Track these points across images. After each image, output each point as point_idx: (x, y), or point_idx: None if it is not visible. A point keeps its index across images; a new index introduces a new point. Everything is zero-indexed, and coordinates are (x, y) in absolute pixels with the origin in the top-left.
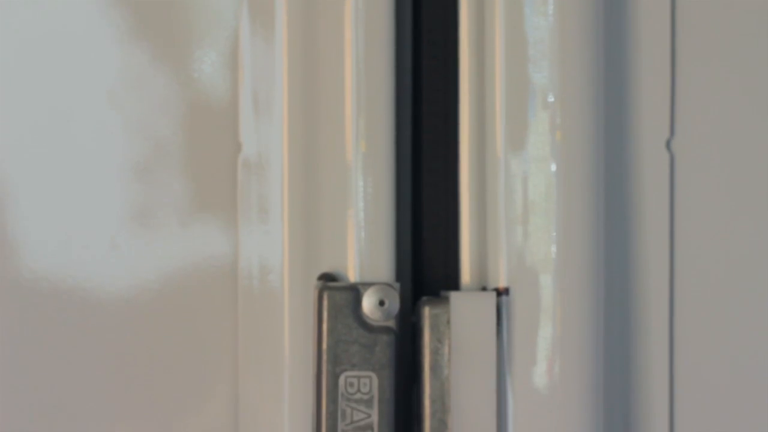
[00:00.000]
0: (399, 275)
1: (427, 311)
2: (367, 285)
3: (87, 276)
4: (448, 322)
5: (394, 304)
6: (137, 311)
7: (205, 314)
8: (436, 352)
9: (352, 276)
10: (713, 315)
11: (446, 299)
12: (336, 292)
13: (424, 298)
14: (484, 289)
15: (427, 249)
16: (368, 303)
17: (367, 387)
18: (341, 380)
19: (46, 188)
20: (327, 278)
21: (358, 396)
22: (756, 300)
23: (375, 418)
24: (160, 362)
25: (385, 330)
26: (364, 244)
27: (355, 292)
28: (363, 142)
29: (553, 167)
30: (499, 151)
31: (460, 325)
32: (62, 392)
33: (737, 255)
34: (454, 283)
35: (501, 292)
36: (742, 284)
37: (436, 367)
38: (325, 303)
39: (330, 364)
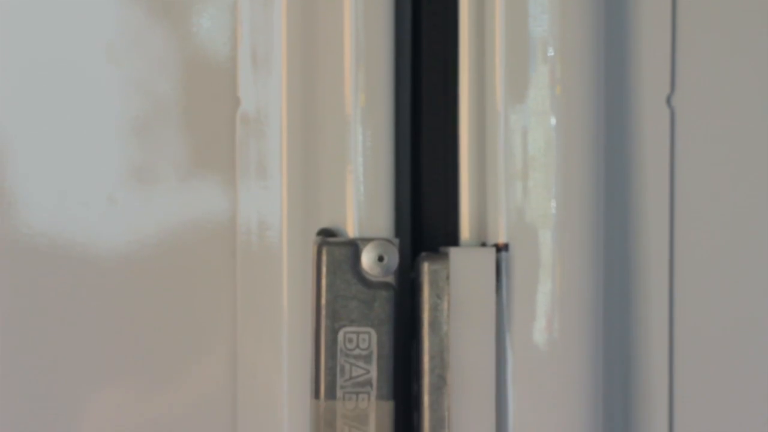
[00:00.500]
0: (398, 231)
1: (426, 267)
2: (366, 240)
3: (85, 231)
4: (448, 277)
5: (393, 259)
6: (135, 267)
7: (204, 270)
8: (435, 308)
9: (351, 231)
10: (715, 267)
11: (445, 255)
12: (335, 247)
13: (423, 253)
14: (483, 245)
15: (426, 204)
16: (367, 258)
17: (366, 343)
18: (340, 336)
19: (43, 144)
20: (326, 233)
21: (357, 352)
22: (755, 249)
23: (374, 373)
24: (157, 319)
25: (384, 286)
26: (363, 199)
27: (354, 247)
28: (362, 96)
29: (553, 121)
30: (499, 106)
31: (460, 281)
32: (59, 347)
33: (738, 211)
34: (453, 239)
35: (500, 248)
36: (743, 239)
37: (435, 323)
38: (324, 258)
39: (329, 319)
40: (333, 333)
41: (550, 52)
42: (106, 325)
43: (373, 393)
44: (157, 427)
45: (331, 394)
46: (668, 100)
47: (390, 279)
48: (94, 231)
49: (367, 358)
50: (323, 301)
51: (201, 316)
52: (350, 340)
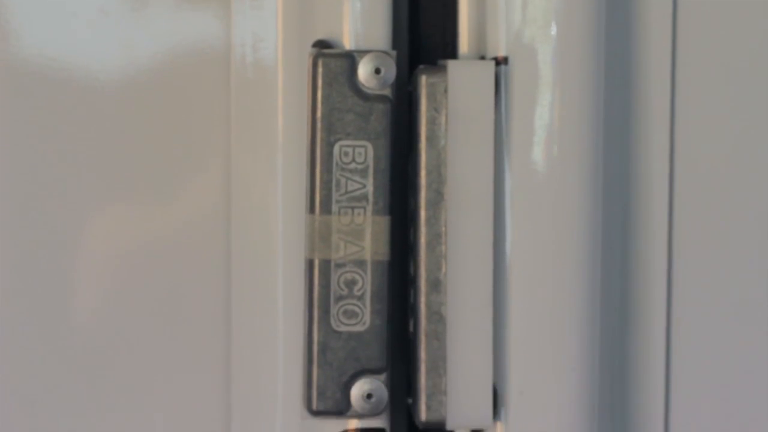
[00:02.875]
0: (395, 43)
1: (423, 80)
2: (363, 52)
3: (76, 44)
4: (446, 91)
5: (390, 72)
6: (128, 83)
7: (198, 84)
8: (432, 122)
9: (348, 43)
10: (716, 87)
11: (443, 68)
12: (331, 59)
13: (421, 66)
14: (482, 58)
15: (424, 16)
16: (364, 71)
17: (362, 156)
18: (336, 149)
19: None
20: (322, 45)
21: (353, 166)
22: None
23: (370, 188)
24: (150, 132)
25: (381, 98)
26: (359, 9)
27: (350, 59)
28: None
29: None
30: None
31: (458, 94)
32: (51, 160)
33: (737, 55)
34: (451, 52)
35: (500, 62)
36: (741, 91)
37: (432, 137)
38: (320, 70)
39: (324, 132)
40: (329, 146)
41: None
42: (100, 140)
43: (369, 208)
44: (155, 242)
45: (326, 208)
46: None
47: (387, 92)
48: (85, 43)
49: (363, 173)
50: (319, 114)
51: (195, 130)
52: (346, 154)
